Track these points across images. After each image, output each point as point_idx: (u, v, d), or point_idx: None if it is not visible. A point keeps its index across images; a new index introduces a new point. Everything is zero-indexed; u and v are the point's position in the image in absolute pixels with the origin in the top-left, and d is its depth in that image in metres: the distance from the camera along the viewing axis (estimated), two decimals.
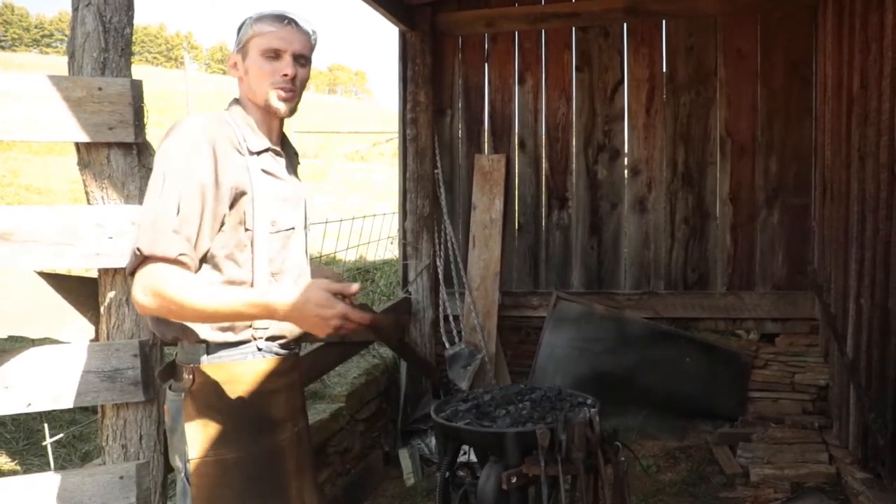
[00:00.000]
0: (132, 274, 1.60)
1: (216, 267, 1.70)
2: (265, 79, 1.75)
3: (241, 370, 1.72)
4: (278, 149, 1.83)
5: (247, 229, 1.70)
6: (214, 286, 1.65)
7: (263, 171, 1.75)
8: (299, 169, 2.01)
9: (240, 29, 1.81)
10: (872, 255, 3.39)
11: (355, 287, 1.63)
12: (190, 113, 1.74)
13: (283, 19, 1.77)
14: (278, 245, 1.77)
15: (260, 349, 1.75)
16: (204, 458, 1.68)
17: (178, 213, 1.59)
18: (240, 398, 1.72)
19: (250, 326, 1.73)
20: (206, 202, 1.62)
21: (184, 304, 1.56)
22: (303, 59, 1.79)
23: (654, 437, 4.46)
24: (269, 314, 1.60)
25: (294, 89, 1.78)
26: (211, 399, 1.70)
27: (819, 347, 4.48)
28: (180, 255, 1.58)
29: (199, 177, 1.62)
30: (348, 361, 4.18)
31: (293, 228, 1.81)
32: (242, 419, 1.72)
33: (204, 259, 1.68)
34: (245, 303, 1.58)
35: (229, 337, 1.72)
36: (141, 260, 1.57)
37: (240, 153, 1.71)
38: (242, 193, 1.68)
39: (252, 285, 1.72)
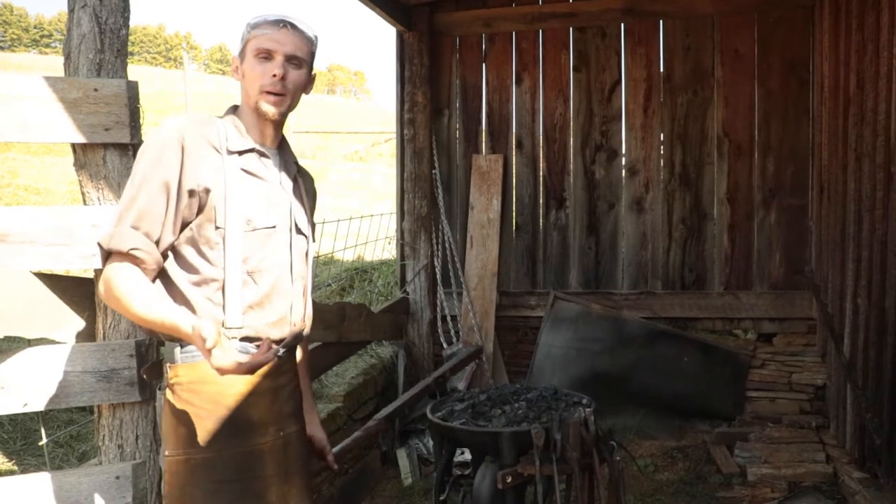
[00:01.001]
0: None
1: (190, 267, 1.71)
2: (256, 80, 1.76)
3: (213, 370, 1.70)
4: (263, 150, 1.82)
5: (217, 227, 1.70)
6: (154, 294, 1.66)
7: (243, 170, 1.76)
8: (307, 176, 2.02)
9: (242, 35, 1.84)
10: (869, 254, 3.40)
11: (264, 354, 1.59)
12: (188, 112, 1.75)
13: (278, 23, 1.78)
14: (255, 244, 1.75)
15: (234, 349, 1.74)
16: (175, 457, 1.69)
17: (138, 209, 1.65)
18: (212, 398, 1.71)
19: (222, 325, 1.71)
20: (169, 199, 1.66)
21: (127, 307, 1.64)
22: (296, 61, 1.79)
23: (651, 436, 4.46)
24: (189, 339, 1.59)
25: (284, 91, 1.77)
26: (184, 397, 1.70)
27: (816, 347, 4.49)
28: (132, 248, 1.63)
29: (162, 174, 1.66)
30: (346, 361, 4.19)
31: (274, 227, 1.80)
32: (214, 420, 1.70)
33: (177, 258, 1.71)
34: (165, 323, 1.60)
35: None
36: (105, 255, 1.68)
37: (217, 152, 1.73)
38: (207, 191, 1.69)
39: (224, 283, 1.72)
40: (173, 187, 1.66)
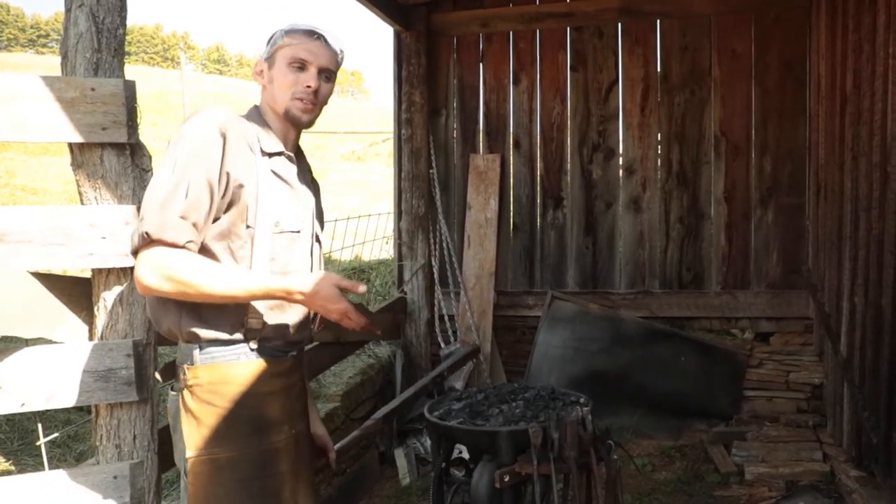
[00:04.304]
0: (135, 254, 1.64)
1: (213, 258, 1.71)
2: (288, 88, 1.80)
3: (234, 371, 1.73)
4: (291, 154, 1.86)
5: (248, 226, 1.72)
6: (232, 269, 1.70)
7: (273, 172, 1.77)
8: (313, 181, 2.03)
9: (270, 39, 1.85)
10: (866, 253, 3.40)
11: (362, 288, 1.72)
12: (210, 108, 1.74)
13: (312, 34, 1.82)
14: (283, 245, 1.79)
15: (253, 349, 1.76)
16: (198, 457, 1.70)
17: (185, 197, 1.62)
18: (233, 398, 1.72)
19: (243, 326, 1.74)
20: (212, 191, 1.65)
21: (203, 287, 1.62)
22: (327, 74, 1.84)
23: (649, 435, 4.47)
24: (286, 297, 1.71)
25: (315, 102, 1.82)
26: (205, 398, 1.71)
27: (813, 346, 4.49)
28: (188, 242, 1.62)
29: (208, 164, 1.65)
30: (343, 361, 4.19)
31: (298, 232, 1.83)
32: (236, 419, 1.72)
33: (202, 251, 1.70)
34: (265, 289, 1.67)
35: (221, 335, 1.73)
36: (148, 242, 1.61)
37: (251, 151, 1.74)
38: (240, 186, 1.69)
39: None
40: (215, 179, 1.65)
